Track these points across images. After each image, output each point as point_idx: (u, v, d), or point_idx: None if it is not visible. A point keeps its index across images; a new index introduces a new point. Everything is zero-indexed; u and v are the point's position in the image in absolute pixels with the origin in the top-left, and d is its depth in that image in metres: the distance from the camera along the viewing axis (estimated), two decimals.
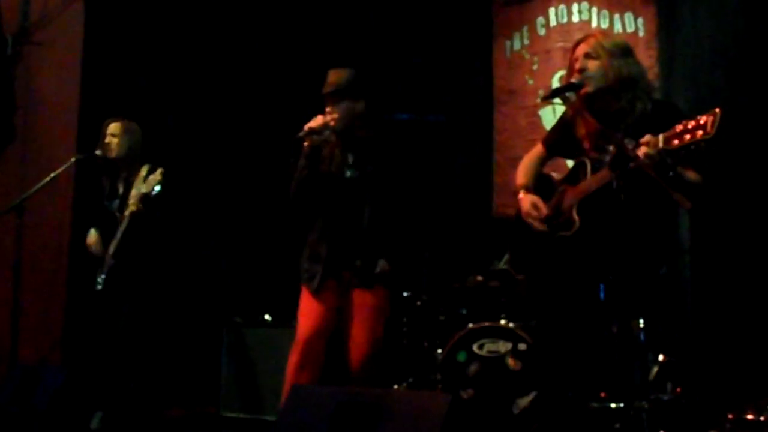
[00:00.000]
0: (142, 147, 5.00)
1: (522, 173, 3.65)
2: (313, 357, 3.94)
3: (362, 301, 3.96)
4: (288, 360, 3.98)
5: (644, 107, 3.24)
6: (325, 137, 3.96)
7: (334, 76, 4.03)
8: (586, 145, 3.35)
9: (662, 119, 3.15)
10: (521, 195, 3.54)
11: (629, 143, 3.13)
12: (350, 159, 4.05)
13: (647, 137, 2.94)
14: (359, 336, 3.95)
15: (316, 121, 3.91)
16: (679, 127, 2.84)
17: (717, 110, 2.75)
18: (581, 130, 3.37)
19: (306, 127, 3.90)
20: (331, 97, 4.00)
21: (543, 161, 3.67)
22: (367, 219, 3.96)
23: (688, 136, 2.80)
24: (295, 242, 4.30)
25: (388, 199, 4.00)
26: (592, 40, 3.32)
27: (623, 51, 3.32)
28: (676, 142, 2.84)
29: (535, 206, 3.45)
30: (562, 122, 3.59)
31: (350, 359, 3.96)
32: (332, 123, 3.94)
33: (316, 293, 3.99)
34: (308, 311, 4.01)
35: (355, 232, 3.96)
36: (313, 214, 4.11)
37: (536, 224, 3.42)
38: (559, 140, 3.57)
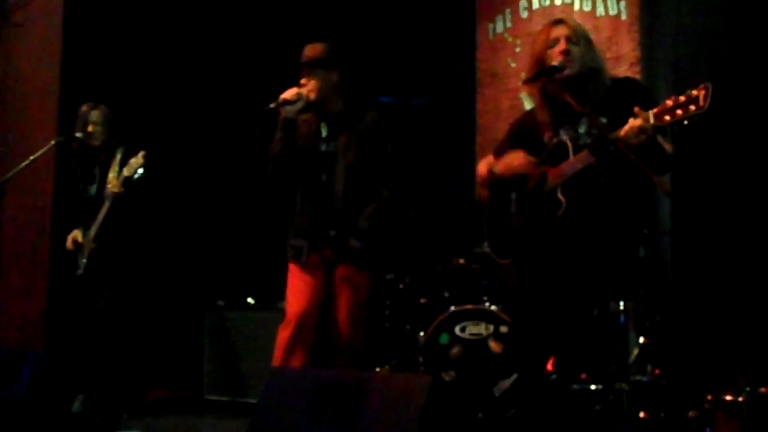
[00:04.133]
0: (120, 129, 4.98)
1: (484, 168, 3.60)
2: (305, 335, 3.94)
3: (341, 276, 3.97)
4: (277, 338, 3.95)
5: (602, 93, 3.25)
6: (298, 108, 3.95)
7: (309, 49, 4.07)
8: (546, 134, 3.34)
9: (627, 94, 3.16)
10: (497, 164, 3.49)
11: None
12: (324, 132, 4.06)
13: (638, 112, 2.92)
14: (340, 311, 3.96)
15: (290, 92, 3.93)
16: (669, 102, 2.81)
17: (708, 84, 2.73)
18: (543, 117, 3.35)
19: (280, 98, 3.90)
20: (306, 68, 4.02)
21: None
22: (342, 193, 3.96)
23: (680, 111, 2.78)
24: (278, 224, 4.28)
25: (364, 173, 3.99)
26: (573, 24, 3.31)
27: (591, 41, 3.34)
28: (667, 117, 2.82)
29: (517, 158, 3.39)
30: (521, 124, 3.58)
31: (334, 336, 3.97)
32: (305, 93, 3.96)
33: (305, 267, 3.99)
34: (298, 288, 4.00)
35: (332, 207, 3.97)
36: (293, 188, 4.10)
37: (524, 170, 3.36)
38: (515, 145, 3.52)
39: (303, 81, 4.01)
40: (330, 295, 4.00)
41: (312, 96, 3.98)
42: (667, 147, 3.05)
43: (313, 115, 4.08)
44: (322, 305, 4.01)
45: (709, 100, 2.70)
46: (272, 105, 3.88)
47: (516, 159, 3.41)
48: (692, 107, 2.74)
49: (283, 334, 3.94)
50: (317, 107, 4.05)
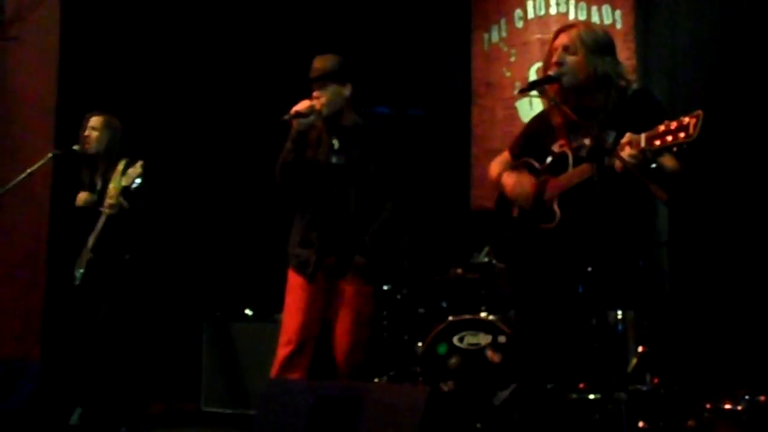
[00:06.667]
0: (121, 142, 4.97)
1: (494, 168, 3.63)
2: (305, 353, 3.90)
3: (344, 293, 3.94)
4: (276, 356, 3.90)
5: (617, 102, 3.23)
6: (311, 121, 3.92)
7: (321, 62, 4.02)
8: (561, 138, 3.34)
9: (639, 109, 3.16)
10: (504, 177, 3.50)
11: (609, 135, 3.13)
12: (336, 145, 4.04)
13: (628, 136, 2.92)
14: (342, 329, 3.93)
15: (303, 105, 3.90)
16: (661, 128, 2.82)
17: (700, 112, 2.73)
18: (557, 120, 3.36)
19: (292, 110, 3.87)
20: (317, 81, 3.99)
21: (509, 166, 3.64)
22: (353, 207, 3.95)
23: (670, 138, 2.78)
24: (276, 236, 4.27)
25: (373, 187, 3.99)
26: (573, 32, 3.27)
27: (603, 47, 3.27)
28: (657, 142, 2.82)
29: (521, 184, 3.41)
30: (534, 125, 3.59)
31: (335, 350, 3.94)
32: (318, 107, 3.93)
33: (310, 280, 3.95)
34: (300, 303, 3.95)
35: (342, 220, 3.96)
36: (299, 199, 4.08)
37: (523, 202, 3.39)
38: (526, 145, 3.54)
39: (316, 94, 3.97)
40: (331, 309, 3.96)
41: (325, 111, 3.95)
42: (671, 164, 3.03)
43: (323, 127, 4.06)
44: (322, 321, 3.98)
45: (698, 128, 2.70)
46: (285, 117, 3.86)
47: (520, 187, 3.40)
48: (682, 134, 2.75)
49: (283, 353, 3.88)
50: (329, 120, 4.02)
